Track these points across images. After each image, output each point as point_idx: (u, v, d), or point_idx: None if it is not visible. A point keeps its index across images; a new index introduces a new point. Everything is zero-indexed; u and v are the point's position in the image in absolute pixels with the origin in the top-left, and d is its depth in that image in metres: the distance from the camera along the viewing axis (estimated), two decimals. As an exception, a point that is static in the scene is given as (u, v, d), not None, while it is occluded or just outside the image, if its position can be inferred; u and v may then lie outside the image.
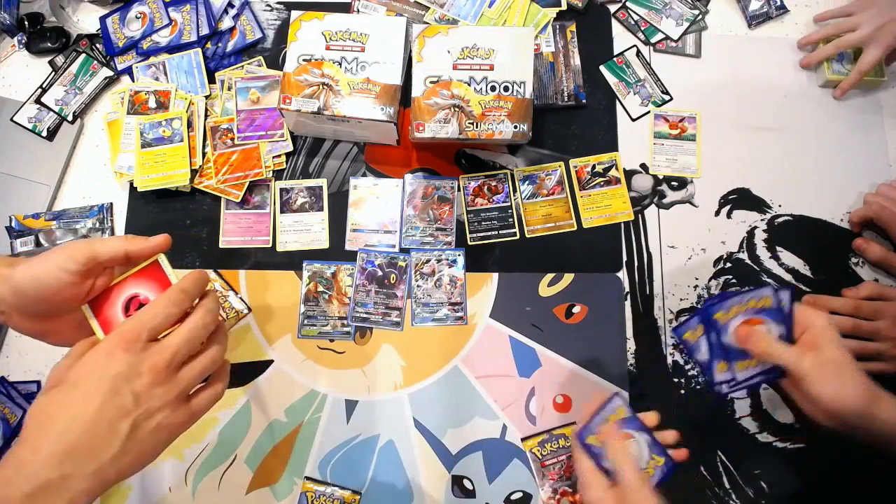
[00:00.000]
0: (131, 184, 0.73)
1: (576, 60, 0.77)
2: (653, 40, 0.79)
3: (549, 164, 0.75)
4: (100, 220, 0.73)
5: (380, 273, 0.71)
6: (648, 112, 0.77)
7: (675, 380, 0.69)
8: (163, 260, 0.47)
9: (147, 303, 0.45)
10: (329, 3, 0.80)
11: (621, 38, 0.79)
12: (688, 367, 0.69)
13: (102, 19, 0.78)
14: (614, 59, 0.78)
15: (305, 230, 0.73)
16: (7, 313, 0.44)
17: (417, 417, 0.67)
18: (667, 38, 0.79)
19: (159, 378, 0.42)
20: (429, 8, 0.78)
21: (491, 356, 0.69)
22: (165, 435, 0.42)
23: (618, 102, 0.77)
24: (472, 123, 0.67)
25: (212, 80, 0.77)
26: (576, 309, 0.70)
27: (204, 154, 0.74)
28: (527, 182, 0.74)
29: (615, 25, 0.80)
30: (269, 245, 0.72)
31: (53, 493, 0.37)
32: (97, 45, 0.78)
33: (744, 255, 0.72)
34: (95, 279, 0.46)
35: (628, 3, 0.80)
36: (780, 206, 0.74)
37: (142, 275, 0.47)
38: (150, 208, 0.74)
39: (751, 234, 0.73)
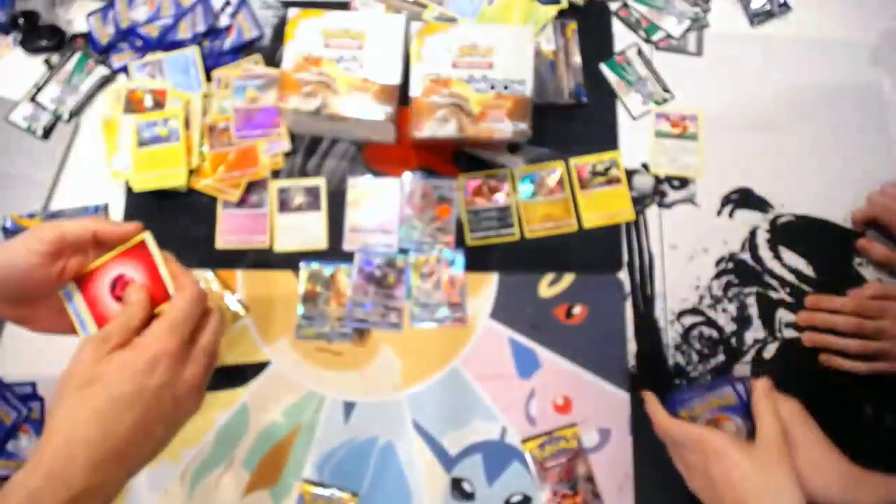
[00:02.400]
0: (127, 183, 0.73)
1: (576, 59, 0.77)
2: (654, 38, 0.78)
3: (550, 164, 0.74)
4: (96, 219, 0.72)
5: (378, 273, 0.70)
6: (649, 111, 0.76)
7: (677, 381, 0.68)
8: (149, 240, 0.47)
9: (132, 283, 0.46)
10: (327, 1, 0.79)
11: (622, 36, 0.79)
12: (689, 368, 0.68)
13: (88, 17, 0.78)
14: (615, 57, 0.78)
15: (303, 230, 0.72)
16: None
17: (416, 419, 0.67)
18: (668, 35, 0.78)
19: (199, 382, 0.43)
20: (427, 6, 0.77)
21: (490, 357, 0.69)
22: (186, 422, 0.44)
23: (618, 101, 0.77)
24: (472, 122, 0.66)
25: (209, 79, 0.76)
26: (576, 309, 0.70)
27: (201, 153, 0.73)
28: (527, 181, 0.74)
29: (616, 23, 0.79)
30: (267, 245, 0.72)
31: (91, 499, 0.37)
32: (93, 43, 0.78)
33: (746, 256, 0.72)
34: (67, 261, 0.45)
35: (629, 1, 0.79)
36: (782, 205, 0.73)
37: (127, 255, 0.47)
38: (147, 208, 0.73)
39: (753, 234, 0.72)
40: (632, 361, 0.68)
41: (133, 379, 0.39)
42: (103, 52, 0.77)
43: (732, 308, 0.70)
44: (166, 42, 0.76)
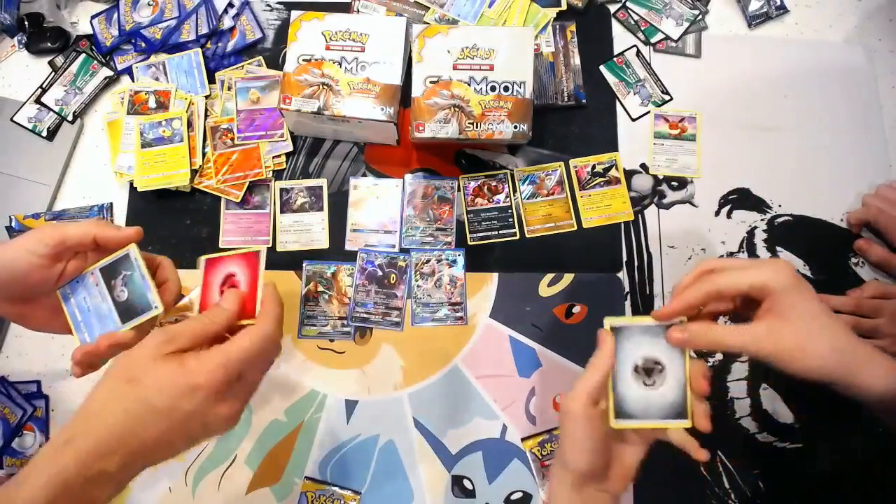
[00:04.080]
0: (131, 184, 0.73)
1: (576, 60, 0.77)
2: (653, 40, 0.79)
3: (549, 164, 0.75)
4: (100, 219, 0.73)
5: (380, 273, 0.71)
6: (648, 112, 0.77)
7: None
8: (262, 254, 0.47)
9: (235, 288, 0.46)
10: (329, 3, 0.80)
11: (621, 38, 0.79)
12: (688, 367, 0.69)
13: (91, 20, 0.79)
14: (614, 59, 0.78)
15: (305, 230, 0.73)
16: None
17: (417, 417, 0.67)
18: (667, 38, 0.79)
19: (235, 414, 0.43)
20: (429, 8, 0.78)
21: (491, 356, 0.69)
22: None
23: (618, 102, 0.77)
24: (472, 123, 0.67)
25: (212, 80, 0.77)
26: (576, 309, 0.70)
27: (204, 154, 0.74)
28: (527, 182, 0.74)
29: (615, 25, 0.80)
30: (269, 245, 0.72)
31: (107, 481, 0.38)
32: (97, 45, 0.78)
33: (744, 255, 0.72)
34: (67, 263, 0.46)
35: (628, 3, 0.80)
36: (780, 206, 0.74)
37: (244, 258, 0.48)
38: (150, 208, 0.74)
39: (751, 234, 0.73)
40: (631, 360, 0.69)
41: (170, 397, 0.39)
42: (107, 54, 0.78)
43: (731, 307, 0.71)
44: (170, 44, 0.77)
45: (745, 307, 0.49)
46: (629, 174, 0.75)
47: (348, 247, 0.72)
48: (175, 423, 0.40)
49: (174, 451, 0.41)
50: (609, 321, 0.49)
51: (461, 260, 0.71)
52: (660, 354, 0.48)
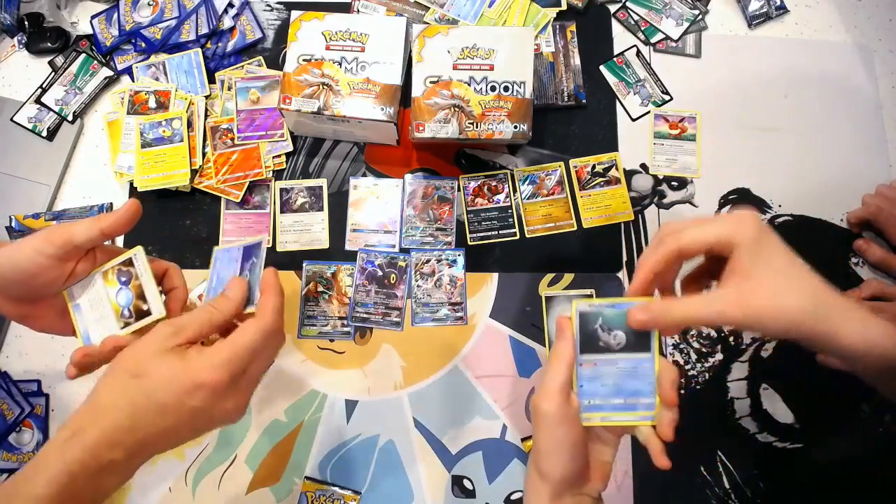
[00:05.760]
0: (131, 184, 0.73)
1: (576, 60, 0.77)
2: (653, 40, 0.79)
3: (549, 164, 0.75)
4: (100, 220, 0.73)
5: (380, 273, 0.71)
6: (648, 112, 0.77)
7: (675, 380, 0.68)
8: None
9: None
10: (329, 3, 0.80)
11: (621, 38, 0.79)
12: (688, 367, 0.69)
13: (91, 20, 0.79)
14: (614, 59, 0.78)
15: (305, 230, 0.73)
16: None
17: (417, 417, 0.68)
18: (667, 38, 0.79)
19: (241, 408, 0.43)
20: (429, 8, 0.78)
21: (491, 356, 0.69)
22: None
23: (618, 102, 0.77)
24: (472, 123, 0.67)
25: (212, 80, 0.76)
26: (576, 309, 0.70)
27: (204, 154, 0.74)
28: (527, 182, 0.74)
29: (615, 25, 0.80)
30: (269, 245, 0.72)
31: (115, 471, 0.39)
32: (97, 45, 0.78)
33: (744, 255, 0.72)
34: (77, 263, 0.46)
35: (628, 3, 0.80)
36: (780, 205, 0.74)
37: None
38: (150, 208, 0.74)
39: (751, 234, 0.73)
40: (631, 360, 0.69)
41: (173, 393, 0.39)
42: (107, 54, 0.78)
43: (731, 307, 0.71)
44: (170, 44, 0.77)
45: (714, 269, 0.44)
46: (629, 174, 0.75)
47: (348, 247, 0.72)
48: (182, 417, 0.40)
49: (180, 441, 0.41)
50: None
51: (461, 260, 0.71)
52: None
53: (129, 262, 0.47)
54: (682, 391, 0.68)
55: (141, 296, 0.47)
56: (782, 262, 0.40)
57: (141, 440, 0.39)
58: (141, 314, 0.47)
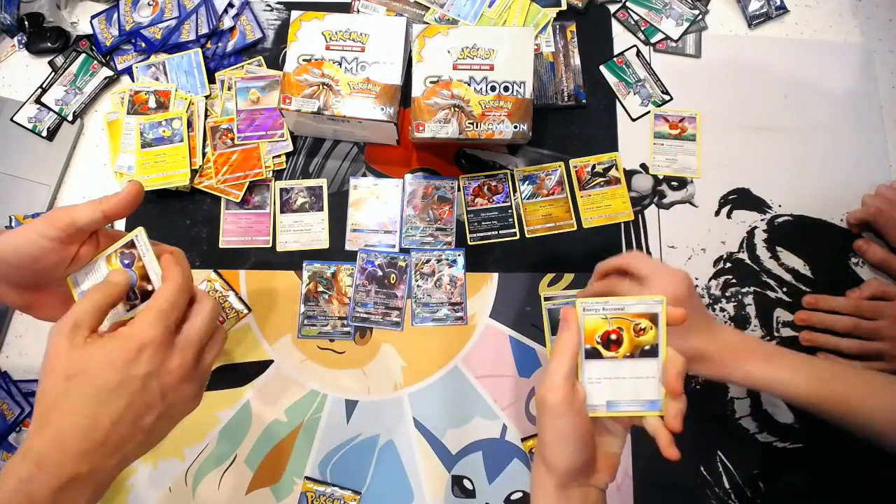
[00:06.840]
0: (131, 184, 0.73)
1: (576, 60, 0.77)
2: (653, 40, 0.79)
3: (549, 164, 0.75)
4: (100, 220, 0.73)
5: (380, 273, 0.71)
6: (648, 112, 0.77)
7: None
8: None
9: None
10: (329, 3, 0.80)
11: (621, 38, 0.79)
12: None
13: (91, 20, 0.79)
14: (614, 59, 0.78)
15: (305, 230, 0.73)
16: None
17: (417, 417, 0.68)
18: (667, 38, 0.79)
19: (186, 373, 0.42)
20: (429, 8, 0.78)
21: (491, 356, 0.69)
22: (183, 415, 0.44)
23: (618, 102, 0.77)
24: (472, 123, 0.67)
25: (212, 80, 0.77)
26: (576, 309, 0.70)
27: (204, 154, 0.74)
28: (527, 182, 0.74)
29: (615, 25, 0.80)
30: (269, 245, 0.72)
31: (81, 485, 0.37)
32: (97, 45, 0.78)
33: (744, 255, 0.72)
34: (80, 247, 0.45)
35: (628, 3, 0.80)
36: (780, 206, 0.74)
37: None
38: (150, 208, 0.74)
39: (751, 234, 0.73)
40: (631, 360, 0.69)
41: (118, 369, 0.39)
42: (107, 54, 0.78)
43: (731, 307, 0.71)
44: (170, 44, 0.77)
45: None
46: (629, 174, 0.75)
47: (348, 247, 0.72)
48: (133, 394, 0.39)
49: (146, 431, 0.40)
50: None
51: (461, 260, 0.71)
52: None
53: (132, 245, 0.47)
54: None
55: (145, 276, 0.46)
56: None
57: (101, 440, 0.38)
58: (146, 295, 0.46)
